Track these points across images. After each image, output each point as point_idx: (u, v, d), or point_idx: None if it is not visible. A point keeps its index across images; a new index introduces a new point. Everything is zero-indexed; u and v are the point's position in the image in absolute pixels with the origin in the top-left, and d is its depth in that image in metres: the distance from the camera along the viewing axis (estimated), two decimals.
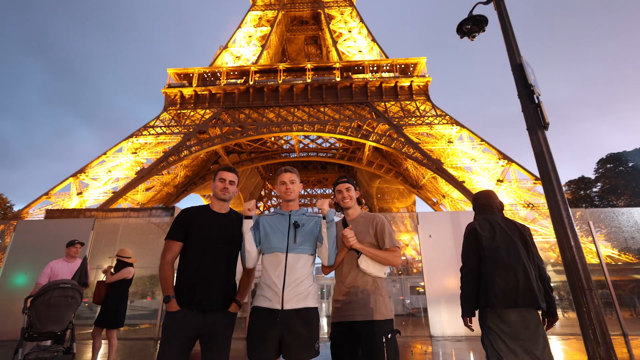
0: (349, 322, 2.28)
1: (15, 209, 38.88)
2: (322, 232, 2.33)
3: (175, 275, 2.40)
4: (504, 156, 36.38)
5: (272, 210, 2.60)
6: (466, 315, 2.63)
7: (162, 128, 41.42)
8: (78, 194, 37.09)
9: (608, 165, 34.79)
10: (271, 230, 2.36)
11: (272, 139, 48.54)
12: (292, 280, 2.21)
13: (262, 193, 69.15)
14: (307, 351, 2.12)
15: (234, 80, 44.89)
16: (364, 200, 2.82)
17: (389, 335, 2.16)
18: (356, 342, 2.23)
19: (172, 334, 2.22)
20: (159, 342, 8.27)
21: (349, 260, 2.42)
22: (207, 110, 42.85)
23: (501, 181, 35.37)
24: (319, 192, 69.77)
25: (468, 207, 33.34)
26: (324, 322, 14.22)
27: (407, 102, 41.68)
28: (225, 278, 2.41)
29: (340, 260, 2.45)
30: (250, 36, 52.95)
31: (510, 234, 2.62)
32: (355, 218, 2.58)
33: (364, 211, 2.66)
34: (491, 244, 2.59)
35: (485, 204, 2.93)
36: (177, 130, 40.98)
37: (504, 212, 2.96)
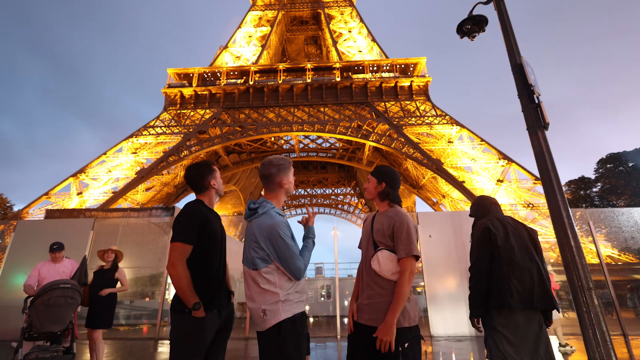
0: (366, 325, 2.16)
1: (15, 209, 38.95)
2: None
3: None
4: (504, 156, 36.38)
5: (273, 208, 2.31)
6: (475, 316, 2.57)
7: (162, 128, 41.43)
8: (78, 194, 37.10)
9: (608, 165, 34.83)
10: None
11: (272, 139, 48.56)
12: None
13: (262, 193, 69.07)
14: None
15: (234, 80, 44.91)
16: (391, 198, 2.46)
17: (406, 345, 2.01)
18: (372, 346, 2.10)
19: (200, 340, 2.17)
20: (159, 342, 8.28)
21: (366, 259, 2.29)
22: (207, 110, 42.87)
23: (501, 181, 35.37)
24: (319, 192, 69.75)
25: (468, 207, 33.26)
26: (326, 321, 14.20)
27: (407, 102, 41.69)
28: (226, 274, 2.47)
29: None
30: (250, 36, 52.96)
31: (521, 235, 2.61)
32: (382, 213, 2.36)
33: (396, 207, 2.38)
34: (505, 244, 2.54)
35: (493, 202, 2.91)
36: (177, 130, 41.00)
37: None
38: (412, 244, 2.15)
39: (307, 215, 2.38)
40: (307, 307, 2.24)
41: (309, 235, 2.28)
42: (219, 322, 2.28)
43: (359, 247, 2.51)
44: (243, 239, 2.42)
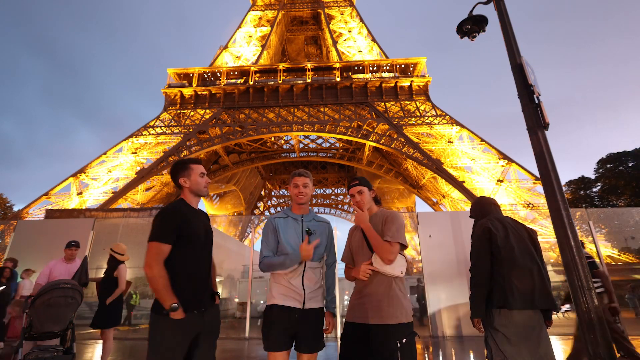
0: (361, 323, 2.21)
1: (15, 209, 38.89)
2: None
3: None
4: (504, 156, 36.39)
5: (283, 209, 2.60)
6: (476, 316, 2.57)
7: (162, 128, 41.43)
8: (78, 194, 37.09)
9: (608, 165, 34.73)
10: (286, 236, 2.47)
11: (272, 139, 48.55)
12: (311, 284, 2.41)
13: (262, 193, 69.16)
14: (317, 344, 2.38)
15: (234, 80, 44.91)
16: (380, 199, 2.69)
17: (404, 341, 2.08)
18: (367, 344, 2.15)
19: (177, 341, 2.12)
20: None
21: (365, 259, 2.35)
22: (207, 110, 42.88)
23: (501, 181, 35.37)
24: (319, 192, 69.75)
25: (468, 207, 33.24)
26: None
27: (407, 102, 41.69)
28: (210, 274, 2.42)
29: (353, 278, 2.43)
30: (250, 36, 52.96)
31: (521, 235, 2.61)
32: (371, 217, 2.47)
33: (381, 208, 2.54)
34: (505, 244, 2.54)
35: (493, 203, 2.91)
36: (177, 130, 41.01)
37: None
38: (400, 234, 2.27)
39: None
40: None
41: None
42: (201, 324, 2.22)
43: (342, 259, 2.60)
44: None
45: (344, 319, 2.40)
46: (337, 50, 48.93)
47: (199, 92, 43.86)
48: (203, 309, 2.26)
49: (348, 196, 2.57)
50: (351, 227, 2.62)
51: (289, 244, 2.43)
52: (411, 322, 2.18)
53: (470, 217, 3.03)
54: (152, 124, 41.90)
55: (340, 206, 69.01)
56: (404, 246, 2.29)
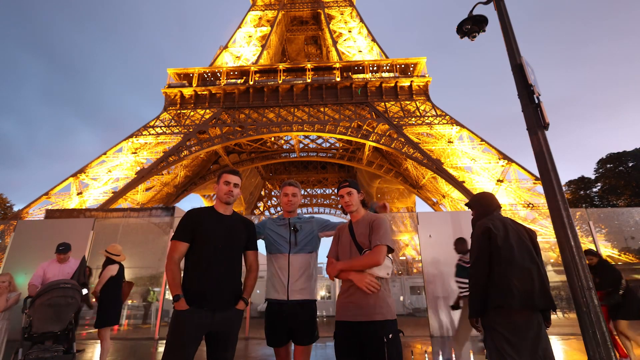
0: (349, 322, 2.30)
1: (15, 209, 38.87)
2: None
3: (182, 275, 2.45)
4: (504, 156, 36.37)
5: (275, 215, 2.96)
6: (475, 315, 2.58)
7: (162, 128, 41.41)
8: (78, 194, 37.08)
9: (608, 165, 34.71)
10: (275, 236, 2.83)
11: (272, 139, 48.54)
12: (296, 277, 2.66)
13: (262, 193, 69.13)
14: (309, 337, 2.62)
15: (234, 80, 44.88)
16: (368, 202, 2.86)
17: (390, 336, 2.17)
18: (358, 342, 2.26)
19: (182, 332, 2.25)
20: (159, 342, 8.28)
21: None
22: (207, 110, 42.85)
23: (501, 181, 35.36)
24: (319, 192, 69.77)
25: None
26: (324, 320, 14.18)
27: (407, 102, 41.67)
28: (233, 277, 2.51)
29: (334, 277, 2.51)
30: (250, 36, 52.95)
31: (521, 236, 2.61)
32: (359, 220, 2.57)
33: (368, 212, 2.64)
34: (505, 244, 2.54)
35: (492, 203, 2.91)
36: (177, 130, 40.98)
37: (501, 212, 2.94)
38: (387, 237, 2.36)
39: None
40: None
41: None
42: (210, 322, 2.31)
43: (329, 255, 2.65)
44: None
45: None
46: (337, 50, 48.90)
47: (199, 92, 43.84)
48: (214, 308, 2.33)
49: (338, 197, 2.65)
50: (339, 226, 2.73)
51: (280, 243, 2.80)
52: (395, 320, 2.29)
53: (467, 205, 3.04)
54: (152, 124, 41.87)
55: (340, 206, 69.02)
56: (390, 249, 2.38)
